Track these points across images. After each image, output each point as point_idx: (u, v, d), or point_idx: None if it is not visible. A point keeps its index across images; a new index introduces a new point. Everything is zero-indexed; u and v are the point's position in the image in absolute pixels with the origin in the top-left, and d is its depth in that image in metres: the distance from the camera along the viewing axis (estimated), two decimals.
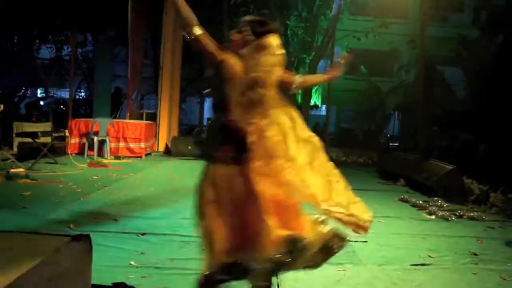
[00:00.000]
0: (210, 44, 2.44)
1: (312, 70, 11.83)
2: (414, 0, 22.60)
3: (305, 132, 2.50)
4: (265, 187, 2.35)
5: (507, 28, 13.91)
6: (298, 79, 2.79)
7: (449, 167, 7.08)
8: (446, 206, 5.96)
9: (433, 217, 5.43)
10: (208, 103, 23.85)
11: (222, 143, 2.46)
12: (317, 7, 15.33)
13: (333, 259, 3.55)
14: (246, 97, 2.39)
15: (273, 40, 2.42)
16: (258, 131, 2.36)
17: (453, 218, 5.37)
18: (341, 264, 3.51)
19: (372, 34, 15.30)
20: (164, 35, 11.39)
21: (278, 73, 2.45)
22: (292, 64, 15.22)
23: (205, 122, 15.19)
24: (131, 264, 3.31)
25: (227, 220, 2.45)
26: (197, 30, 2.39)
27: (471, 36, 15.02)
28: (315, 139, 2.53)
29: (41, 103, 12.77)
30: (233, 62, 2.44)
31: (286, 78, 2.66)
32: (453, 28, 21.38)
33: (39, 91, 21.99)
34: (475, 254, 3.99)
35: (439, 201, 6.15)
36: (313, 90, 14.33)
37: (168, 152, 10.69)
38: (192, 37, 2.40)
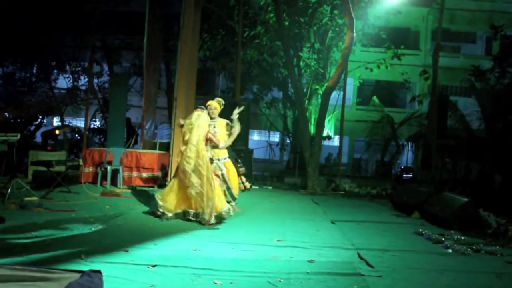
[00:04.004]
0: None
1: (324, 101, 11.85)
2: (426, 32, 22.90)
3: None
4: None
5: None
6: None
7: (465, 199, 6.96)
8: (463, 240, 5.82)
9: (449, 251, 5.30)
10: None
11: None
12: (330, 39, 15.53)
13: None
14: None
15: None
16: None
17: (470, 252, 5.23)
18: None
19: (384, 65, 15.41)
20: (178, 66, 11.57)
21: None
22: (304, 95, 15.32)
23: None
24: None
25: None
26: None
27: (484, 66, 15.03)
28: None
29: (56, 132, 12.96)
30: None
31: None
32: (465, 59, 21.49)
33: (55, 120, 22.39)
34: None
35: (455, 235, 6.02)
36: (326, 121, 14.34)
37: None
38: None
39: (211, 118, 6.83)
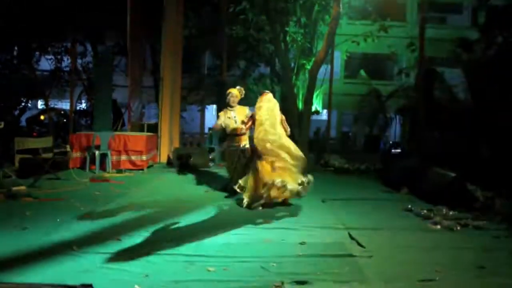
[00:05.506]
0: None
1: (312, 76, 11.78)
2: (412, 3, 22.70)
3: None
4: None
5: (506, 29, 13.88)
6: None
7: (452, 174, 7.03)
8: (451, 215, 5.91)
9: (438, 227, 5.38)
10: (209, 112, 23.86)
11: None
12: (316, 12, 15.32)
13: (338, 277, 3.54)
14: None
15: None
16: None
17: (458, 228, 5.31)
18: (347, 282, 3.47)
19: (371, 38, 15.27)
20: (164, 45, 11.38)
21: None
22: (292, 70, 15.20)
23: (206, 131, 15.12)
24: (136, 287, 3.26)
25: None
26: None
27: (470, 37, 14.96)
28: None
29: (41, 117, 12.73)
30: None
31: None
32: (452, 30, 21.41)
33: (39, 103, 22.01)
34: (483, 267, 3.93)
35: (444, 210, 6.10)
36: (314, 96, 14.28)
37: (170, 164, 10.65)
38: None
39: (231, 106, 7.20)
